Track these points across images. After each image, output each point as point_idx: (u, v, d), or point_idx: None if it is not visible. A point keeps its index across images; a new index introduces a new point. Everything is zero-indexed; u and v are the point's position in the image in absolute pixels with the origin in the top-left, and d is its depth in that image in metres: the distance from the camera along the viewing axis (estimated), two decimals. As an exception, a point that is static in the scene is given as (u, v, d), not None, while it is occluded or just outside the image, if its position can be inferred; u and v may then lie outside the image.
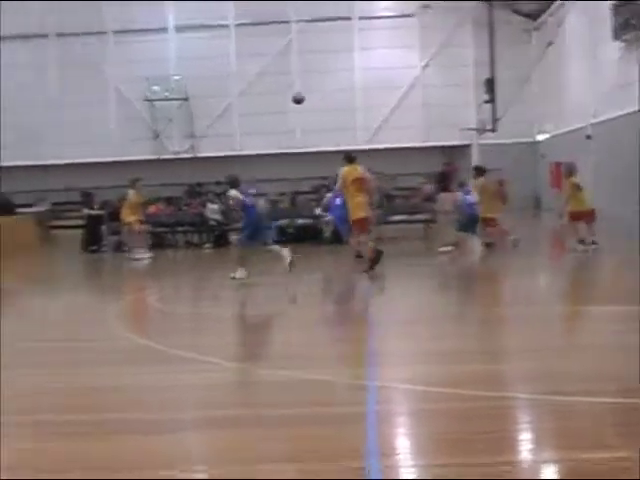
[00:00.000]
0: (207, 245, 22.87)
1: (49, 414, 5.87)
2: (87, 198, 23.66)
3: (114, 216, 21.93)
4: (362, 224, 14.41)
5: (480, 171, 18.81)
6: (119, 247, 21.94)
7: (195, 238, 23.69)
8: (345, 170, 14.35)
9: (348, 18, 32.39)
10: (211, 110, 32.39)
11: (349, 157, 14.56)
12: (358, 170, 14.40)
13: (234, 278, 13.70)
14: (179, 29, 32.59)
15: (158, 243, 22.68)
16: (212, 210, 23.41)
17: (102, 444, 5.07)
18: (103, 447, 5.01)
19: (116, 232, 22.36)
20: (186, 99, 32.17)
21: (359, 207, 14.30)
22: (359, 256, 15.16)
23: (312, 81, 31.69)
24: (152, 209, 23.70)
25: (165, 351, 7.90)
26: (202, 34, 32.33)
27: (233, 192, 14.37)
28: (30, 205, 28.36)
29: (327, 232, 21.41)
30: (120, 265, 19.83)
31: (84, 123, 31.80)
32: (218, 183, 25.99)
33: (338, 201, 16.09)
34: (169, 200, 25.88)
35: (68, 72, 32.25)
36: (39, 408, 6.06)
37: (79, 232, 23.31)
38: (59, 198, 30.20)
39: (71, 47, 32.26)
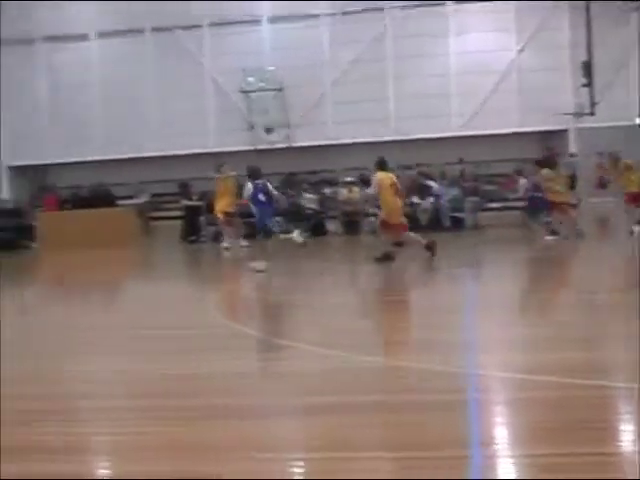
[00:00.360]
0: (304, 234, 23.00)
1: (156, 399, 6.01)
2: (185, 189, 24.07)
3: (212, 207, 22.25)
4: (398, 229, 14.96)
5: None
6: (217, 237, 22.25)
7: (290, 227, 23.84)
8: (380, 176, 14.89)
9: (442, 3, 32.07)
10: (305, 99, 32.49)
11: (382, 163, 15.24)
12: (391, 176, 15.07)
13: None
14: (273, 20, 32.78)
15: (254, 232, 22.87)
16: (308, 199, 23.53)
17: (202, 429, 5.15)
18: (202, 431, 5.09)
19: (214, 222, 22.69)
20: (281, 89, 32.35)
21: (397, 212, 14.89)
22: (398, 244, 15.36)
23: (406, 67, 31.48)
24: (245, 200, 23.90)
25: (263, 338, 8.00)
26: (295, 24, 32.44)
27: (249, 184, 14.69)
28: (130, 197, 29.01)
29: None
30: (218, 255, 20.12)
31: (182, 115, 32.31)
32: (313, 172, 26.11)
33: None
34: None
35: (165, 65, 32.81)
36: (147, 393, 6.21)
37: (178, 223, 23.73)
38: (158, 189, 30.79)
39: (167, 41, 32.80)
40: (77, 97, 33.06)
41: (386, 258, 14.50)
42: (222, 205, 20.31)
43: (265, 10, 32.80)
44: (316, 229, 22.95)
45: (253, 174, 14.81)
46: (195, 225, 23.12)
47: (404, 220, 15.19)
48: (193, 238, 22.60)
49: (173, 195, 26.96)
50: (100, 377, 6.95)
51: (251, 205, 14.97)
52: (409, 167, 27.25)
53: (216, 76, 32.71)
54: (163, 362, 7.33)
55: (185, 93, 32.37)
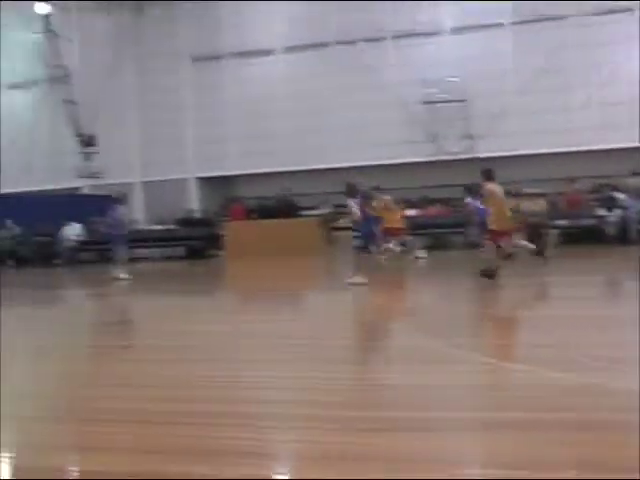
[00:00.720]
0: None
1: (336, 409, 6.00)
2: (366, 200, 24.25)
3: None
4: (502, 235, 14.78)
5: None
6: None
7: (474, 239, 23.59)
8: (491, 185, 14.74)
9: (629, 9, 30.87)
10: (488, 110, 32.08)
11: (489, 173, 14.95)
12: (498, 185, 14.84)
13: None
14: (455, 31, 32.60)
15: (439, 244, 22.85)
16: (490, 211, 23.19)
17: (382, 440, 5.11)
18: (382, 443, 5.04)
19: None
20: (463, 100, 32.12)
21: (508, 220, 14.74)
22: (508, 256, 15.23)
23: (590, 76, 30.55)
24: (431, 210, 23.89)
25: (449, 350, 7.93)
26: (478, 34, 32.13)
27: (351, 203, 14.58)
28: (313, 207, 29.53)
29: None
30: (398, 265, 20.19)
31: (364, 127, 32.63)
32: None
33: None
34: (447, 202, 25.96)
35: (348, 78, 33.25)
36: (327, 402, 6.22)
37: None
38: (340, 200, 31.10)
39: (350, 54, 33.24)
40: (263, 110, 34.02)
41: (490, 274, 14.19)
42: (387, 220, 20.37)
43: (447, 21, 32.65)
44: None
45: (350, 192, 15.11)
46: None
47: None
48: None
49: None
50: (278, 384, 7.06)
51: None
52: (573, 179, 26.25)
53: (398, 88, 32.81)
54: (343, 372, 7.38)
55: (368, 105, 32.64)
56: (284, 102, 33.89)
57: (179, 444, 5.22)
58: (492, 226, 14.74)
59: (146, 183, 35.76)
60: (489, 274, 14.19)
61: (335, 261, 22.23)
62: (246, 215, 28.37)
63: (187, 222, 28.17)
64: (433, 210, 24.02)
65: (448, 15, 32.55)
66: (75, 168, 34.98)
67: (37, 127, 38.02)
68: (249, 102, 34.35)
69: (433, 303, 12.76)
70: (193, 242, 24.94)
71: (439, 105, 32.35)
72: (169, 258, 25.71)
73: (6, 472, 4.87)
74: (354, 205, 15.26)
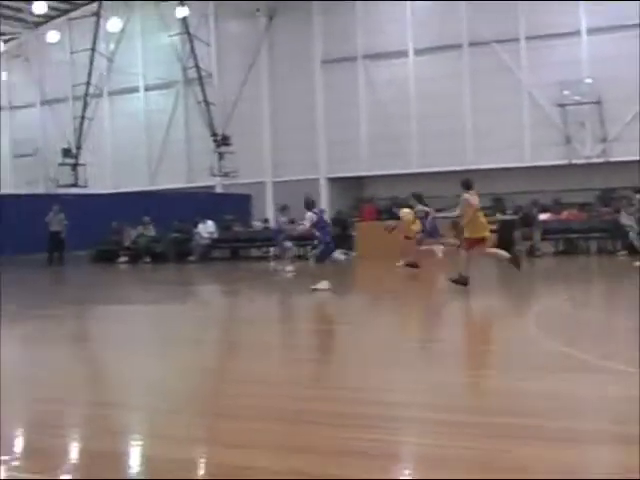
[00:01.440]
0: (621, 252, 22.12)
1: (461, 413, 5.95)
2: (499, 203, 24.01)
3: (526, 221, 22.04)
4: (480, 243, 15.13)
5: None
6: (532, 252, 21.98)
7: (608, 245, 23.02)
8: (468, 195, 15.06)
9: None
10: (623, 113, 31.22)
11: (468, 183, 15.34)
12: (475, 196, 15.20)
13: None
14: (591, 31, 31.81)
15: (570, 249, 22.41)
16: (627, 217, 22.58)
17: (507, 448, 5.02)
18: (510, 451, 4.95)
19: (528, 237, 22.43)
20: (598, 102, 31.33)
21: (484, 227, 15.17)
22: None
23: None
24: (564, 215, 23.44)
25: (581, 358, 7.80)
26: (614, 35, 31.25)
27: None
28: (443, 210, 29.33)
29: None
30: (530, 270, 19.90)
31: (497, 129, 32.25)
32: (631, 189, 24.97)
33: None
34: (581, 206, 25.39)
35: (481, 80, 32.93)
36: (453, 407, 6.18)
37: (492, 236, 23.62)
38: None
39: (484, 55, 32.90)
40: (394, 112, 34.06)
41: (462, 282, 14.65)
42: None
43: (583, 21, 31.90)
44: (632, 247, 21.93)
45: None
46: (509, 239, 22.93)
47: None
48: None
49: (487, 209, 26.95)
50: (406, 387, 7.05)
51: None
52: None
53: (532, 89, 32.29)
54: (472, 377, 7.34)
55: (500, 107, 32.25)
56: (415, 104, 33.85)
57: (318, 444, 5.29)
58: (467, 234, 15.11)
59: (277, 183, 36.34)
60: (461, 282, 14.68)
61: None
62: (377, 216, 28.45)
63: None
64: (565, 214, 23.52)
65: (583, 16, 31.79)
66: (210, 167, 35.88)
67: (174, 127, 39.19)
68: (380, 104, 34.45)
69: (562, 308, 12.54)
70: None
71: (573, 107, 31.66)
72: (298, 257, 26.01)
73: (140, 461, 5.08)
74: (307, 218, 16.15)
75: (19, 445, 5.87)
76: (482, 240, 15.21)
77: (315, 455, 5.04)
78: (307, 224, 16.19)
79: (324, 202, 34.86)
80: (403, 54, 34.32)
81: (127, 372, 8.57)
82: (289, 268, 20.71)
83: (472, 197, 15.19)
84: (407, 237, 19.95)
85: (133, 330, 12.58)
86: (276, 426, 5.84)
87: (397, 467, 4.90)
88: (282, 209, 23.04)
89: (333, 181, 35.72)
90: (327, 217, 18.18)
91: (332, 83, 35.54)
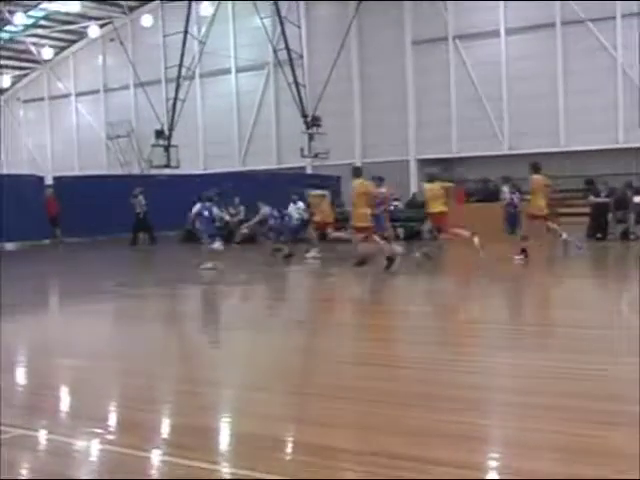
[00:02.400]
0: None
1: (545, 397, 5.88)
2: (592, 186, 23.49)
3: (620, 204, 21.52)
4: (362, 231, 16.08)
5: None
6: (626, 236, 21.45)
7: None
8: (356, 183, 16.08)
9: None
10: None
11: (357, 171, 16.59)
12: (365, 184, 16.24)
13: None
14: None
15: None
16: None
17: (606, 433, 4.94)
18: (601, 436, 4.89)
19: (622, 220, 21.89)
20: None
21: (361, 218, 15.86)
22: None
23: None
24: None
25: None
26: None
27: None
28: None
29: None
30: (626, 253, 19.46)
31: (590, 110, 31.53)
32: None
33: (206, 213, 17.65)
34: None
35: (574, 59, 32.23)
36: (546, 391, 6.11)
37: (585, 220, 23.16)
38: (569, 185, 30.08)
39: (578, 34, 32.15)
40: (485, 93, 33.65)
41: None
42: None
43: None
44: None
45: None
46: (602, 222, 22.41)
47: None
48: (599, 236, 21.91)
49: (580, 191, 26.40)
50: (500, 370, 7.02)
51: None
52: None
53: (627, 69, 31.45)
54: (570, 361, 7.22)
55: (594, 87, 31.52)
56: (507, 85, 33.34)
57: (405, 425, 5.31)
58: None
59: (367, 164, 36.27)
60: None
61: (555, 247, 21.57)
62: (465, 198, 28.11)
63: (411, 204, 28.23)
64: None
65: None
66: (300, 149, 36.02)
67: (264, 108, 39.48)
68: (471, 85, 34.06)
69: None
70: (412, 224, 24.96)
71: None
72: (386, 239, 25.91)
73: (229, 438, 5.16)
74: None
75: (113, 419, 6.04)
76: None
77: (401, 436, 5.05)
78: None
79: (413, 184, 34.67)
80: (495, 34, 33.79)
81: (220, 350, 8.71)
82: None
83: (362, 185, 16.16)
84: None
85: (224, 309, 12.78)
86: (363, 407, 5.87)
87: (484, 450, 4.86)
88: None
89: (423, 162, 35.48)
90: None
91: (422, 64, 35.27)
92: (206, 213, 17.72)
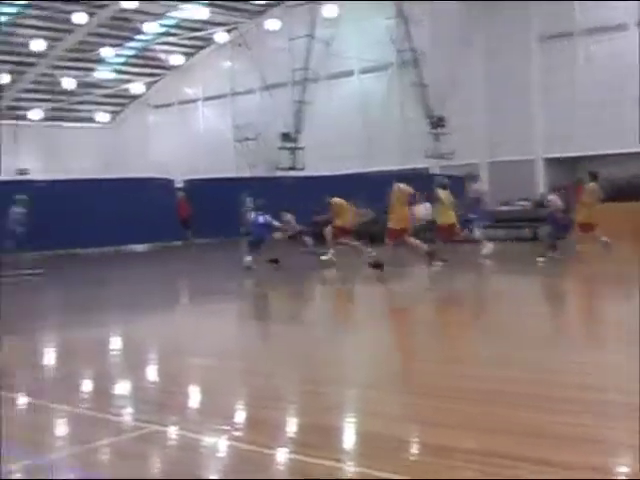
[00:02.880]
0: None
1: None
2: None
3: None
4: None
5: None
6: None
7: None
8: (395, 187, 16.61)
9: None
10: None
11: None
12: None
13: None
14: None
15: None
16: None
17: None
18: None
19: None
20: None
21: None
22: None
23: None
24: None
25: None
26: None
27: None
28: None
29: None
30: None
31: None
32: None
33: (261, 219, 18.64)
34: None
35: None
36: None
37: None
38: None
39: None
40: (616, 87, 32.72)
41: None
42: None
43: None
44: None
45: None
46: None
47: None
48: None
49: None
50: (605, 371, 6.97)
51: None
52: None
53: None
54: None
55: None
56: (637, 80, 32.33)
57: (514, 425, 5.34)
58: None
59: (492, 164, 35.89)
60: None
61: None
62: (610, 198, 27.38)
63: (539, 204, 27.77)
64: None
65: None
66: (425, 149, 35.93)
67: (388, 109, 39.53)
68: (599, 81, 33.21)
69: None
70: (538, 224, 24.53)
71: None
72: (516, 240, 25.53)
73: (353, 437, 5.27)
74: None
75: (240, 416, 6.26)
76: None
77: (510, 437, 5.10)
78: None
79: (540, 183, 34.07)
80: (623, 27, 32.84)
81: (337, 351, 8.87)
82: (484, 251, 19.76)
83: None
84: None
85: (339, 308, 12.94)
86: (472, 407, 5.92)
87: (598, 451, 4.83)
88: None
89: (550, 161, 34.82)
90: None
91: (549, 60, 34.62)
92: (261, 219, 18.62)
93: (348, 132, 40.02)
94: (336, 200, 19.12)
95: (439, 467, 4.61)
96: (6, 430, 5.93)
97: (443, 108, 36.08)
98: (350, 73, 40.89)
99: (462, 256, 19.49)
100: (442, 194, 17.91)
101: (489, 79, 36.09)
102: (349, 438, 5.53)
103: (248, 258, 18.26)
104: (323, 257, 19.01)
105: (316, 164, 38.58)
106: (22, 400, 7.14)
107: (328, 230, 19.42)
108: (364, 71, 40.48)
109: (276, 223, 19.23)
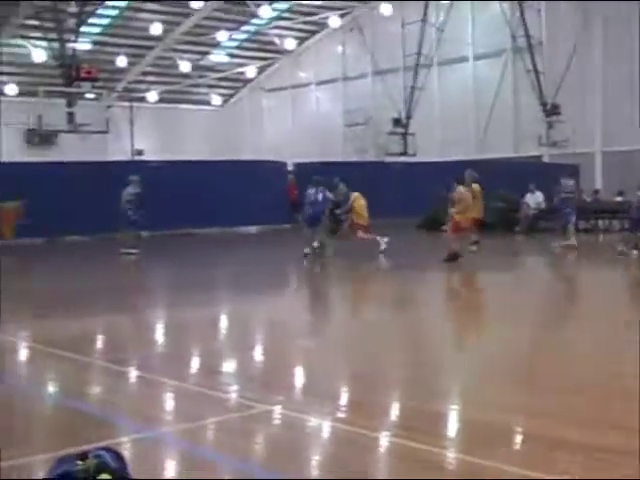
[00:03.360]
0: None
1: None
2: None
3: None
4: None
5: None
6: None
7: None
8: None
9: None
10: None
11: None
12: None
13: None
14: None
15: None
16: None
17: None
18: None
19: None
20: None
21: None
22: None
23: None
24: None
25: None
26: None
27: None
28: None
29: None
30: None
31: None
32: None
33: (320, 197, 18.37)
34: None
35: None
36: None
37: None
38: None
39: None
40: None
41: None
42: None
43: None
44: None
45: None
46: None
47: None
48: None
49: None
50: None
51: None
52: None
53: None
54: None
55: None
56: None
57: (633, 420, 5.22)
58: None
59: (606, 153, 34.95)
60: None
61: None
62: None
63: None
64: None
65: None
66: (538, 137, 35.24)
67: (501, 96, 38.89)
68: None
69: None
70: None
71: None
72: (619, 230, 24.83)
73: (458, 424, 5.23)
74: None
75: (345, 398, 6.31)
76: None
77: (630, 432, 4.97)
78: None
79: (598, 182, 33.18)
80: None
81: (449, 337, 8.83)
82: (562, 243, 19.28)
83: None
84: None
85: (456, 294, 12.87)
86: (592, 401, 5.80)
87: None
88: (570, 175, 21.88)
89: (608, 155, 33.75)
90: None
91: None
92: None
93: (461, 118, 39.54)
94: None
95: (549, 459, 4.55)
96: (117, 403, 6.13)
97: (557, 95, 35.25)
98: (463, 59, 40.36)
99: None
100: (475, 188, 18.26)
101: (606, 66, 35.08)
102: (454, 425, 5.52)
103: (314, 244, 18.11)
104: None
105: (427, 150, 38.30)
106: (132, 374, 7.36)
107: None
108: (478, 57, 39.89)
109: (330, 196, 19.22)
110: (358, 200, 19.20)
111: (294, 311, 11.48)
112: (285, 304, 12.49)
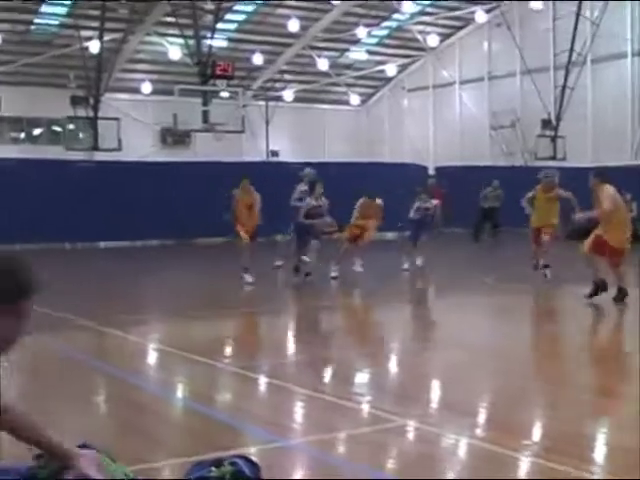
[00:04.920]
0: None
1: None
2: None
3: None
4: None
5: None
6: None
7: None
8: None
9: None
10: None
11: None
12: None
13: None
14: None
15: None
16: None
17: None
18: None
19: None
20: None
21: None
22: None
23: None
24: None
25: None
26: None
27: None
28: None
29: None
30: None
31: None
32: None
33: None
34: None
35: None
36: None
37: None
38: None
39: None
40: None
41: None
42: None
43: None
44: None
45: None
46: None
47: None
48: None
49: None
50: None
51: None
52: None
53: None
54: None
55: None
56: None
57: None
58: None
59: None
60: None
61: None
62: None
63: None
64: None
65: None
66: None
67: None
68: None
69: None
70: None
71: None
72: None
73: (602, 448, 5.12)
74: None
75: (484, 417, 6.29)
76: None
77: None
78: None
79: None
80: None
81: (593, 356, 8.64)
82: None
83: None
84: None
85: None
86: None
87: None
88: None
89: None
90: None
91: None
92: None
93: (616, 121, 38.50)
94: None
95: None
96: (249, 411, 6.31)
97: None
98: (622, 55, 39.25)
99: None
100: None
101: None
102: (598, 448, 5.44)
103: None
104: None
105: (579, 155, 37.45)
106: (263, 380, 7.55)
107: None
108: (638, 54, 38.73)
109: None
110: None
111: (436, 321, 11.50)
112: (427, 313, 12.52)
